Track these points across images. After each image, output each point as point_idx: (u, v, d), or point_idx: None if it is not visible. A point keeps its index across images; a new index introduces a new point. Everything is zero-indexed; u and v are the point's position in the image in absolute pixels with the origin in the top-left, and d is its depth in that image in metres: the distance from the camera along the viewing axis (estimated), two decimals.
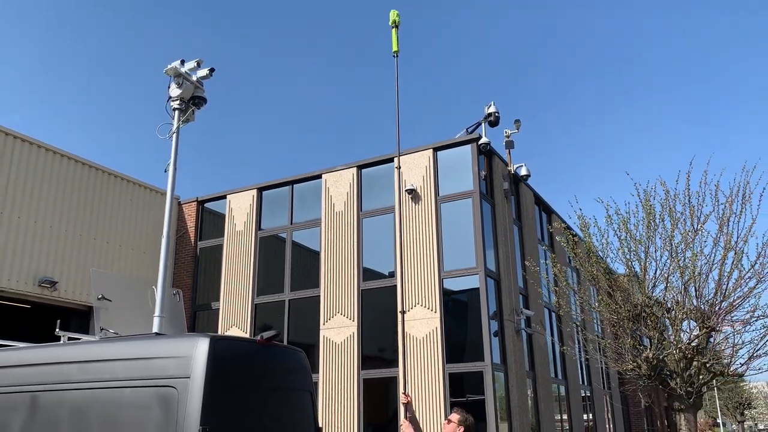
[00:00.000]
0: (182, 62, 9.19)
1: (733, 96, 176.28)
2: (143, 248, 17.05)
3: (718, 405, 58.03)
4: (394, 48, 9.50)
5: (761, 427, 77.66)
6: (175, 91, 9.21)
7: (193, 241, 18.38)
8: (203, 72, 9.32)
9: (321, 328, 15.35)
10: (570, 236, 12.57)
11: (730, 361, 11.40)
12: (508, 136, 16.50)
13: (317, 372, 14.90)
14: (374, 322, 15.06)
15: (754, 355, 11.01)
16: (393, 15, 9.31)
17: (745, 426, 65.76)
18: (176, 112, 9.30)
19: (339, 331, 15.09)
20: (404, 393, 6.19)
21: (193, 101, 9.29)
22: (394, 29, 9.34)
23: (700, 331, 11.28)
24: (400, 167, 15.05)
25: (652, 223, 11.43)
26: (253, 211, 17.48)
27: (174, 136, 9.13)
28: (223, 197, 18.27)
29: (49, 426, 5.96)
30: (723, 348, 11.66)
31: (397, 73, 10.26)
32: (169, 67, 9.07)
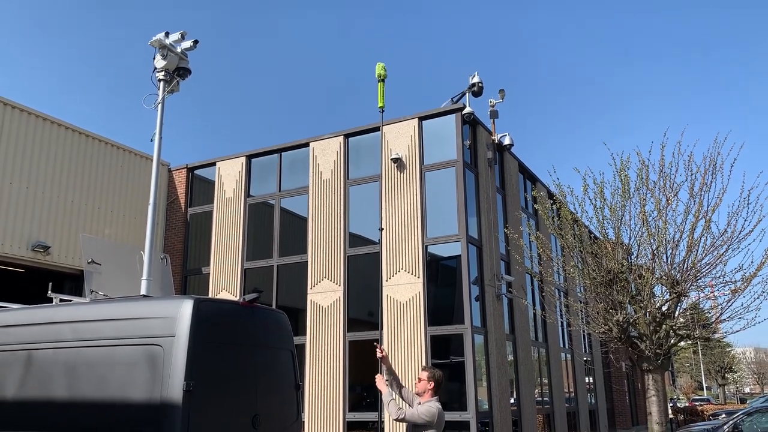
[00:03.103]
0: (167, 34, 9.36)
1: (713, 69, 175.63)
2: (134, 214, 17.35)
3: (702, 369, 59.44)
4: (380, 104, 8.43)
5: (747, 390, 79.57)
6: (160, 62, 9.41)
7: (183, 207, 18.69)
8: (187, 44, 9.51)
9: (309, 292, 15.79)
10: (549, 205, 12.93)
11: (696, 326, 11.88)
12: (492, 106, 16.75)
13: (305, 335, 15.39)
14: (360, 286, 15.51)
15: (719, 318, 11.49)
16: (379, 68, 8.36)
17: (729, 390, 67.42)
18: (161, 83, 9.52)
19: (326, 295, 15.54)
20: (379, 346, 6.58)
21: (178, 72, 9.50)
22: (380, 83, 8.36)
23: (670, 296, 11.75)
24: (384, 134, 15.27)
25: (627, 192, 11.78)
26: (242, 178, 17.77)
27: (159, 106, 9.37)
28: (213, 164, 18.52)
29: (43, 382, 6.35)
30: (691, 313, 12.16)
31: (382, 127, 9.48)
32: (154, 39, 9.24)
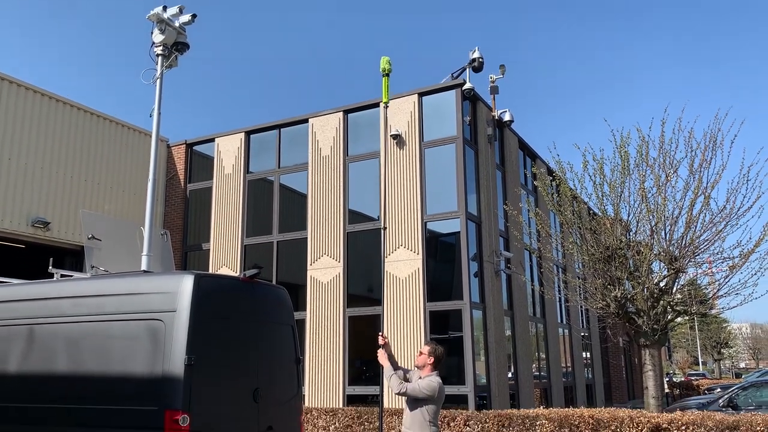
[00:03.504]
0: (164, 8, 9.27)
1: (715, 42, 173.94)
2: (133, 190, 17.34)
3: (698, 344, 59.95)
4: (384, 99, 8.00)
5: (742, 365, 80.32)
6: (158, 36, 9.32)
7: (182, 183, 18.67)
8: (185, 18, 9.41)
9: (308, 268, 15.86)
10: (548, 181, 12.93)
11: (693, 301, 11.97)
12: (493, 82, 16.65)
13: (305, 310, 15.49)
14: (359, 263, 15.57)
15: (717, 294, 11.57)
16: (384, 62, 7.88)
17: (725, 365, 68.06)
18: (159, 57, 9.44)
19: (326, 271, 15.61)
20: (381, 334, 6.61)
21: (176, 47, 9.42)
22: (385, 78, 7.89)
23: (668, 272, 11.82)
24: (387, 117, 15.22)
25: (626, 169, 11.77)
26: (241, 154, 17.72)
27: (158, 81, 9.32)
28: (212, 140, 18.46)
29: (46, 356, 6.42)
30: (689, 289, 12.23)
31: (386, 124, 9.10)
32: (151, 13, 9.15)
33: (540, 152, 20.10)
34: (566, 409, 11.23)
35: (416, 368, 6.13)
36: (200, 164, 18.82)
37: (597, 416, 10.27)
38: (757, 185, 10.99)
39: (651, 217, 11.61)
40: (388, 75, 7.79)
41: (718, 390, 19.14)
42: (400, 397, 6.01)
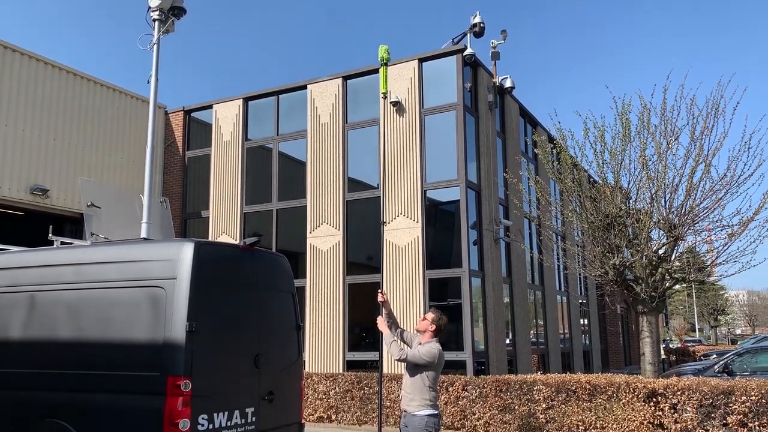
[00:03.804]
0: None
1: (719, 8, 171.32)
2: (131, 157, 17.26)
3: (695, 311, 60.49)
4: (383, 89, 7.68)
5: (738, 332, 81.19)
6: (154, 1, 9.16)
7: (181, 150, 18.58)
8: None
9: (308, 236, 15.89)
10: (549, 149, 12.86)
11: (691, 269, 12.02)
12: (494, 47, 16.45)
13: (305, 278, 15.57)
14: (359, 231, 15.59)
15: (715, 262, 11.61)
16: (382, 51, 7.58)
17: (721, 331, 68.79)
18: (156, 22, 9.30)
19: (325, 239, 15.64)
20: (380, 291, 6.67)
21: (173, 12, 9.26)
22: (382, 67, 7.59)
23: (667, 240, 11.84)
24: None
25: (627, 136, 11.70)
26: (239, 121, 17.60)
27: (155, 47, 9.18)
28: (210, 107, 18.31)
29: (48, 323, 6.47)
30: (687, 256, 12.28)
31: (385, 115, 8.53)
32: None
33: (541, 119, 19.98)
34: (563, 374, 11.38)
35: (417, 332, 6.18)
36: (198, 131, 18.71)
37: (594, 382, 10.41)
38: (758, 153, 10.95)
39: (651, 185, 11.58)
40: (386, 64, 7.52)
41: (714, 356, 19.38)
42: (399, 362, 6.07)
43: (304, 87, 16.77)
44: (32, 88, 15.05)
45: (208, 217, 17.61)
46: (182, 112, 18.73)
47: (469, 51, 14.75)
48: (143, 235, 10.02)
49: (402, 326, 6.75)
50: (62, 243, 7.79)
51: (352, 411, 12.24)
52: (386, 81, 7.58)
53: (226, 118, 17.83)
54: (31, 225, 15.21)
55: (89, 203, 10.99)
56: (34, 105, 15.06)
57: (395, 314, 6.82)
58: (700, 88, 15.00)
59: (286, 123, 17.16)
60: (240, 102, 17.70)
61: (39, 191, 14.76)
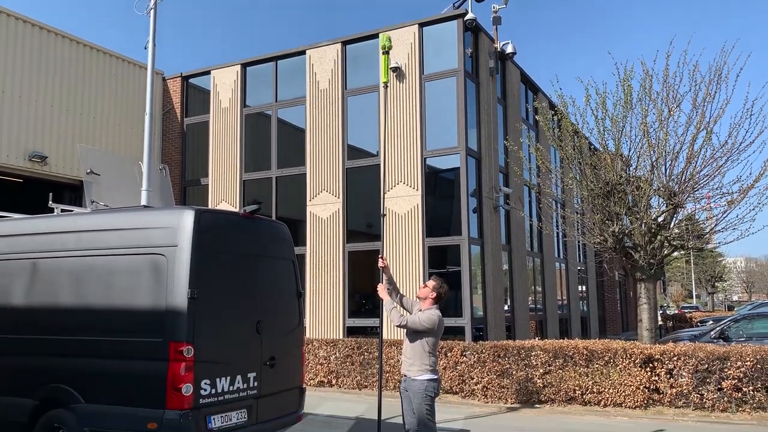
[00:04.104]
0: None
1: None
2: (130, 124, 17.15)
3: (693, 278, 60.84)
4: (383, 78, 7.54)
5: (735, 298, 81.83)
6: None
7: (179, 116, 18.46)
8: None
9: (308, 204, 15.89)
10: (550, 116, 12.80)
11: (690, 236, 12.07)
12: (495, 12, 16.22)
13: (305, 246, 15.62)
14: (359, 198, 15.59)
15: (714, 229, 11.66)
16: (383, 39, 7.27)
17: (718, 298, 69.32)
18: None
19: (325, 207, 15.64)
20: (381, 257, 6.71)
21: None
22: (384, 56, 7.29)
23: (666, 207, 11.87)
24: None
25: (629, 103, 11.64)
26: (237, 87, 17.44)
27: (152, 12, 9.05)
28: (207, 73, 18.12)
29: (50, 289, 6.51)
30: (686, 224, 12.32)
31: (385, 104, 8.08)
32: None
33: (542, 86, 19.83)
34: (561, 340, 11.52)
35: (417, 299, 6.23)
36: (196, 98, 18.55)
37: (591, 347, 10.54)
38: (760, 120, 10.92)
39: (652, 152, 11.57)
40: (388, 53, 7.23)
41: (710, 322, 19.56)
42: (399, 329, 6.14)
43: (303, 52, 16.58)
44: (28, 54, 14.88)
45: (208, 184, 17.58)
46: (180, 78, 18.55)
47: (470, 16, 14.55)
48: (143, 202, 10.03)
49: (404, 294, 6.81)
50: (62, 210, 7.78)
51: (352, 376, 12.42)
52: (387, 70, 7.33)
53: (224, 84, 17.66)
54: (30, 192, 15.20)
55: (89, 170, 10.97)
56: (30, 71, 14.90)
57: (395, 282, 6.87)
58: (704, 54, 14.81)
59: (284, 89, 17.01)
60: (238, 68, 17.51)
61: (37, 158, 14.71)
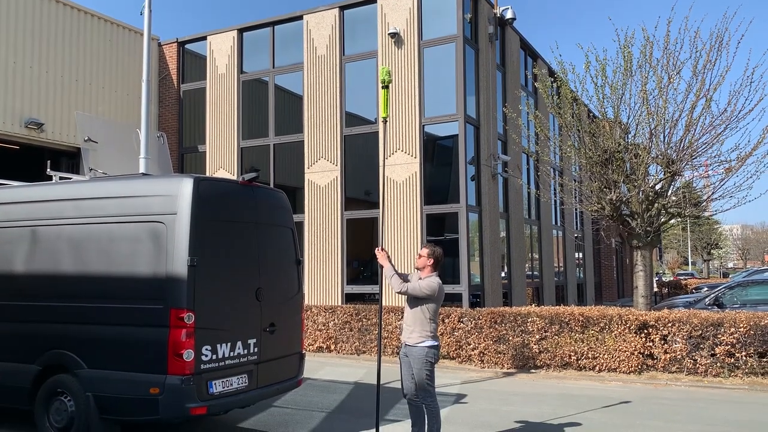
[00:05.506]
0: None
1: None
2: (126, 90, 17.00)
3: (689, 245, 61.19)
4: (383, 113, 6.90)
5: (730, 265, 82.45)
6: None
7: (176, 83, 18.29)
8: None
9: (306, 171, 15.86)
10: (549, 83, 12.71)
11: (687, 204, 12.11)
12: None
13: (303, 213, 15.65)
14: (357, 166, 15.56)
15: (711, 197, 11.70)
16: (383, 73, 6.73)
17: (713, 265, 69.83)
18: None
19: (323, 175, 15.62)
20: (380, 249, 6.49)
21: None
22: (383, 90, 6.74)
23: (664, 175, 11.89)
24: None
25: (629, 70, 11.55)
26: (234, 53, 17.24)
27: None
28: (204, 39, 17.90)
29: (50, 257, 6.54)
30: (684, 192, 12.35)
31: (384, 141, 6.99)
32: None
33: (542, 52, 19.62)
34: (557, 306, 11.64)
35: (416, 270, 6.27)
36: (193, 64, 18.36)
37: (587, 314, 10.66)
38: (760, 87, 10.87)
39: (651, 120, 11.54)
40: (387, 87, 6.75)
41: (705, 289, 19.73)
42: (398, 295, 6.18)
43: (300, 18, 16.36)
44: (22, 19, 14.66)
45: (205, 151, 17.52)
46: (176, 43, 18.32)
47: None
48: (142, 170, 10.01)
49: (399, 262, 6.84)
50: (61, 178, 7.77)
51: (351, 342, 12.57)
52: (387, 105, 6.81)
53: (220, 50, 17.46)
54: (27, 159, 15.13)
55: (86, 138, 10.90)
56: (25, 37, 14.70)
57: (393, 250, 6.91)
58: (705, 21, 14.71)
59: (282, 55, 16.83)
60: (234, 33, 17.29)
61: (33, 125, 14.61)
